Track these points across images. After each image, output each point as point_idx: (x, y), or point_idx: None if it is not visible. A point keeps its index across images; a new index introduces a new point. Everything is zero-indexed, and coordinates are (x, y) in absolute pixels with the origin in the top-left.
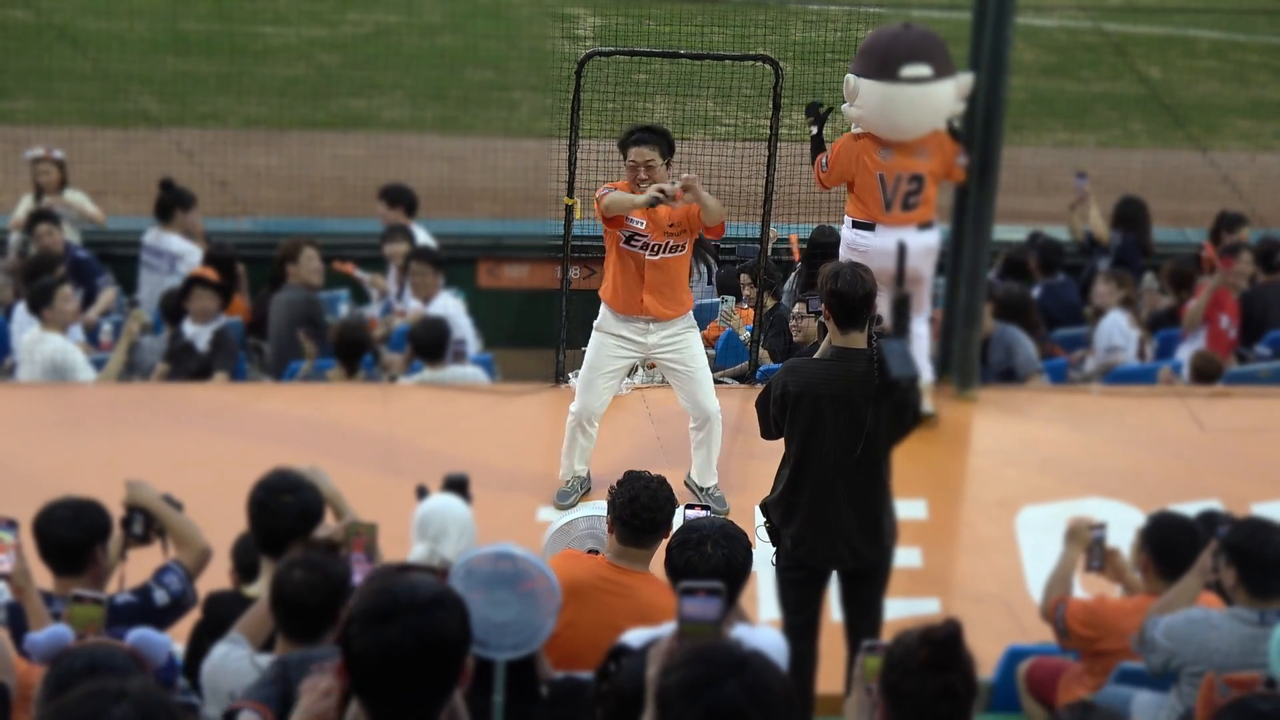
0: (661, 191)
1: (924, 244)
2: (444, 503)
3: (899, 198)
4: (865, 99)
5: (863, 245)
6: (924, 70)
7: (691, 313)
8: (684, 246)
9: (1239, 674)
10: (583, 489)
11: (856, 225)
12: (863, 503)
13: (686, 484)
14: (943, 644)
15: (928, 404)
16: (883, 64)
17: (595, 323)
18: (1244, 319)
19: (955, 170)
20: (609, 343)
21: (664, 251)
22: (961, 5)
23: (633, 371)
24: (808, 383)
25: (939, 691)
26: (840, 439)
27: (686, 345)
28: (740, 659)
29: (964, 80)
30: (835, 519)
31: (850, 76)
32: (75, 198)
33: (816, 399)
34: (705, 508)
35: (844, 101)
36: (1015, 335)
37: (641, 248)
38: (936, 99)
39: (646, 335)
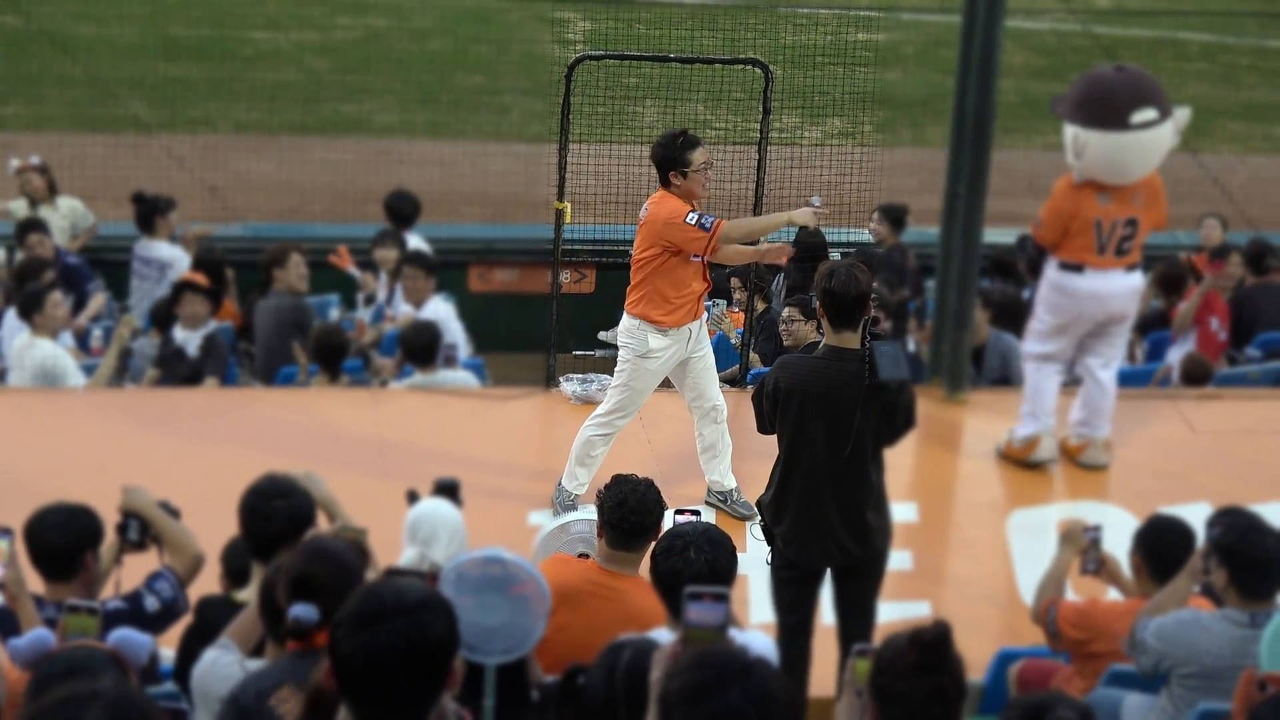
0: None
1: (1131, 286)
2: (435, 507)
3: (1114, 243)
4: (1095, 151)
5: (1070, 286)
6: (1152, 114)
7: None
8: None
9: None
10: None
11: (1064, 266)
12: (851, 502)
13: (708, 501)
14: (932, 645)
15: (1103, 456)
16: (1110, 113)
17: (633, 347)
18: (1234, 321)
19: (1163, 215)
20: (650, 366)
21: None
22: (951, 8)
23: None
24: (798, 379)
25: (929, 693)
26: (829, 438)
27: (705, 336)
28: (745, 665)
29: (1181, 116)
30: (823, 518)
31: (1073, 129)
32: (68, 204)
33: (805, 396)
34: (695, 513)
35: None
36: (1011, 343)
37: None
38: (1162, 140)
39: (689, 339)
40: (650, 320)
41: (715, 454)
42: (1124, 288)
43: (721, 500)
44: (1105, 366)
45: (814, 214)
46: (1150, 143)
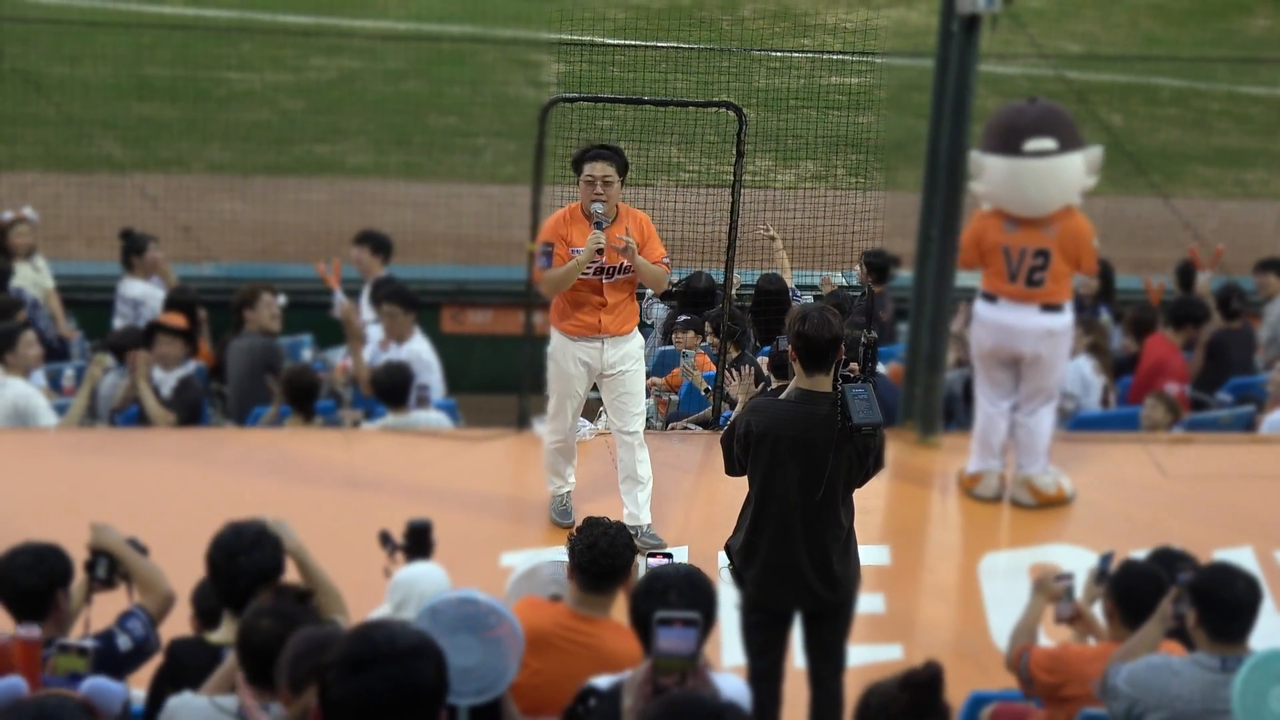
0: (599, 250)
1: (1043, 325)
2: (422, 573)
3: (1023, 272)
4: (991, 175)
5: (983, 317)
6: (1048, 144)
7: (638, 331)
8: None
9: None
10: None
11: (983, 297)
12: (821, 546)
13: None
14: (926, 686)
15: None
16: (1006, 139)
17: (549, 350)
18: (1205, 366)
19: (1087, 257)
20: (561, 366)
21: (618, 274)
22: (924, 53)
23: (595, 417)
24: (770, 423)
25: None
26: (800, 481)
27: (633, 368)
28: (715, 712)
29: (1093, 154)
30: (793, 561)
31: (974, 153)
32: (40, 266)
33: (778, 440)
34: (668, 555)
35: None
36: None
37: (598, 273)
38: (1064, 172)
39: (602, 354)
40: (556, 326)
41: (634, 484)
42: (1035, 325)
43: (632, 534)
44: (1032, 414)
45: (595, 243)
46: (1047, 172)
